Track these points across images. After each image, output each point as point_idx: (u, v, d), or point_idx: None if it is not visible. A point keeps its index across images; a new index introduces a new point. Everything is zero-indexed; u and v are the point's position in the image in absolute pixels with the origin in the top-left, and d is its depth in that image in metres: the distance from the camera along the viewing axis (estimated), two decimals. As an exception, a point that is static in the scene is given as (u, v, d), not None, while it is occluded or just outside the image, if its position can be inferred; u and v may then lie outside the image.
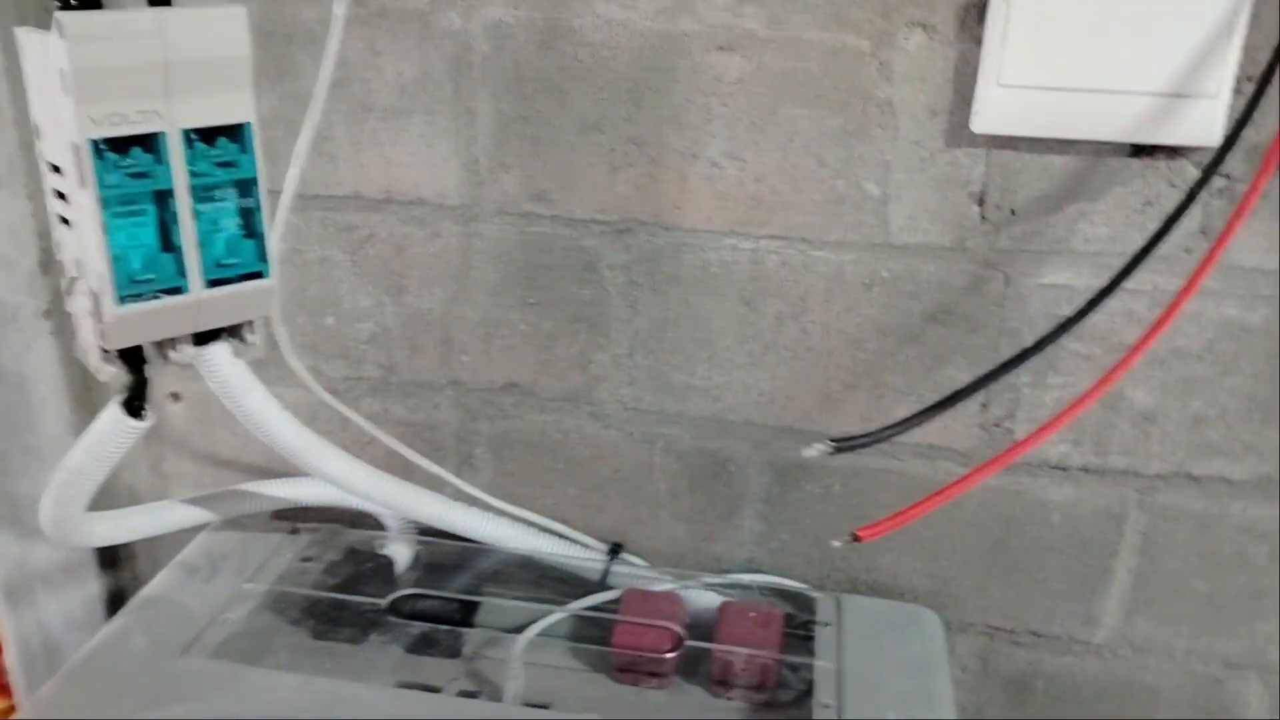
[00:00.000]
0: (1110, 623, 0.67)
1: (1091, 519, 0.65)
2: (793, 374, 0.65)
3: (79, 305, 0.49)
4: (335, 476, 0.61)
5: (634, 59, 0.61)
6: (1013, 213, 0.60)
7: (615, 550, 0.72)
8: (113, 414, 0.51)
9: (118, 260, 0.45)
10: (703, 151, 0.62)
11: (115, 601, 0.81)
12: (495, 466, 0.73)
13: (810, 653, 0.62)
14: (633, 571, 0.71)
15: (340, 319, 0.70)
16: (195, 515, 0.67)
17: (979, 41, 0.57)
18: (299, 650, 0.63)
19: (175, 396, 0.74)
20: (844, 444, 0.45)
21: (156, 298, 0.46)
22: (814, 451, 0.43)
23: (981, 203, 0.60)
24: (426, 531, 0.71)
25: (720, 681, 0.61)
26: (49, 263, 0.70)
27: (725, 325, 0.65)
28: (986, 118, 0.58)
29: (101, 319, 0.47)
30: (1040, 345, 0.57)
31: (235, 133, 0.47)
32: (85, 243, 0.46)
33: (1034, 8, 0.55)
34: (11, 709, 1.74)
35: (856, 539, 0.42)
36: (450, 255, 0.67)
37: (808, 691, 0.59)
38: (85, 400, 0.75)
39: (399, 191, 0.66)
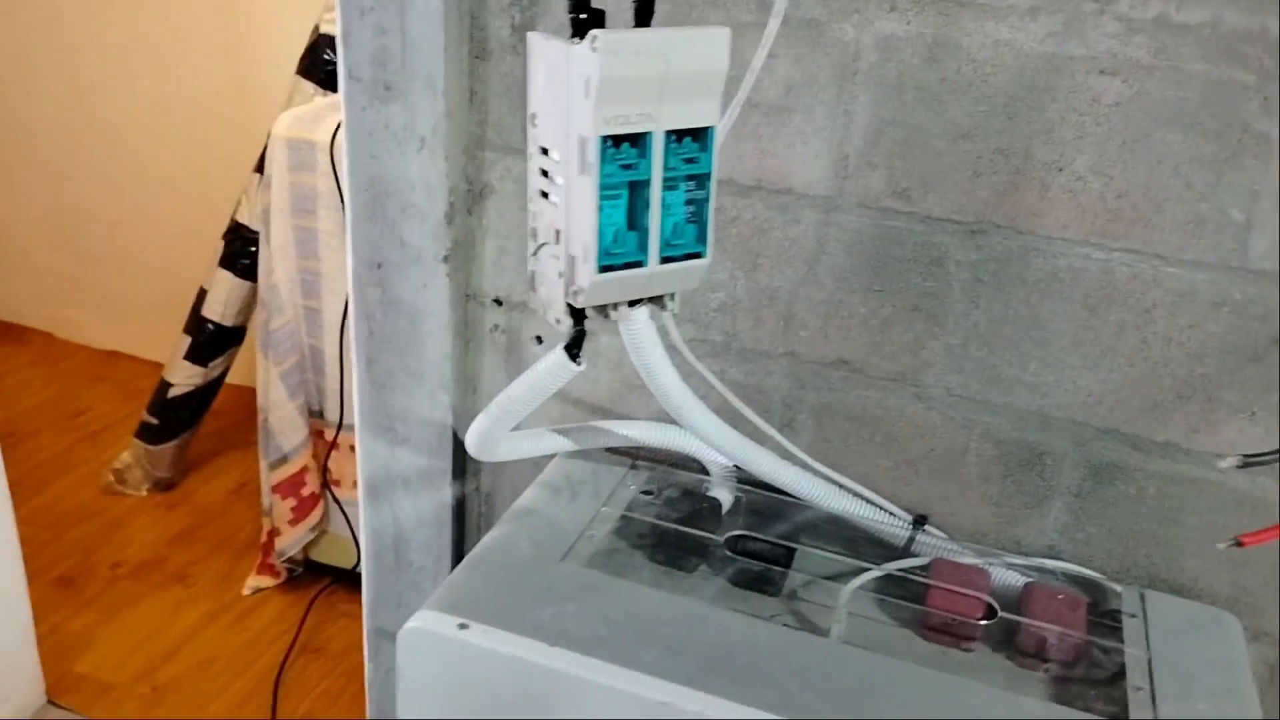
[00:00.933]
0: None
1: None
2: (1125, 380, 0.70)
3: (547, 267, 0.58)
4: (698, 426, 0.70)
5: (1015, 76, 0.66)
6: (1380, 250, 0.62)
7: (920, 521, 0.78)
8: (556, 357, 0.61)
9: (600, 236, 0.54)
10: (1068, 165, 0.67)
11: (459, 507, 0.94)
12: (815, 432, 0.80)
13: (1119, 639, 0.67)
14: (935, 543, 0.77)
15: (696, 288, 0.79)
16: (561, 443, 0.78)
17: (1371, 83, 0.59)
18: (648, 570, 0.73)
19: (539, 340, 0.85)
20: (1253, 459, 0.49)
21: (625, 269, 0.55)
22: (1225, 464, 0.48)
23: (1348, 237, 0.62)
24: (744, 481, 0.80)
25: (1031, 654, 0.67)
26: (453, 215, 0.82)
27: (1064, 328, 0.70)
28: (1369, 157, 0.60)
29: (575, 281, 0.56)
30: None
31: (700, 134, 0.55)
32: (571, 218, 0.55)
33: None
34: (272, 589, 1.95)
35: (1239, 544, 0.47)
36: (806, 240, 0.75)
37: (1120, 674, 0.65)
38: (463, 335, 0.87)
39: (769, 180, 0.74)
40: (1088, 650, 0.67)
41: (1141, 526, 0.73)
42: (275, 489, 1.83)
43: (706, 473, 0.82)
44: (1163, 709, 0.61)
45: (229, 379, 2.13)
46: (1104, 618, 0.70)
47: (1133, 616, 0.70)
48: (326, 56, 1.80)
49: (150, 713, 1.63)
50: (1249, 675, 0.66)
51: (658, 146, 0.54)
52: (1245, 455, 0.49)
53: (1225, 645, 0.68)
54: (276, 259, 1.73)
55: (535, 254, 0.59)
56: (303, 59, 1.84)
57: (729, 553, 0.75)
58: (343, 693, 1.69)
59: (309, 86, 1.83)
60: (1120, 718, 0.61)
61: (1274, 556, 0.70)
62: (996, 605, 0.69)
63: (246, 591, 1.91)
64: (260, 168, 1.79)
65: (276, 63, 2.05)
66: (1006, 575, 0.73)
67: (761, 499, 0.80)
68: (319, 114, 1.70)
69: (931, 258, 0.72)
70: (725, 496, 0.81)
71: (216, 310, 1.99)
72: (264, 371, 1.79)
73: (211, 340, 2.03)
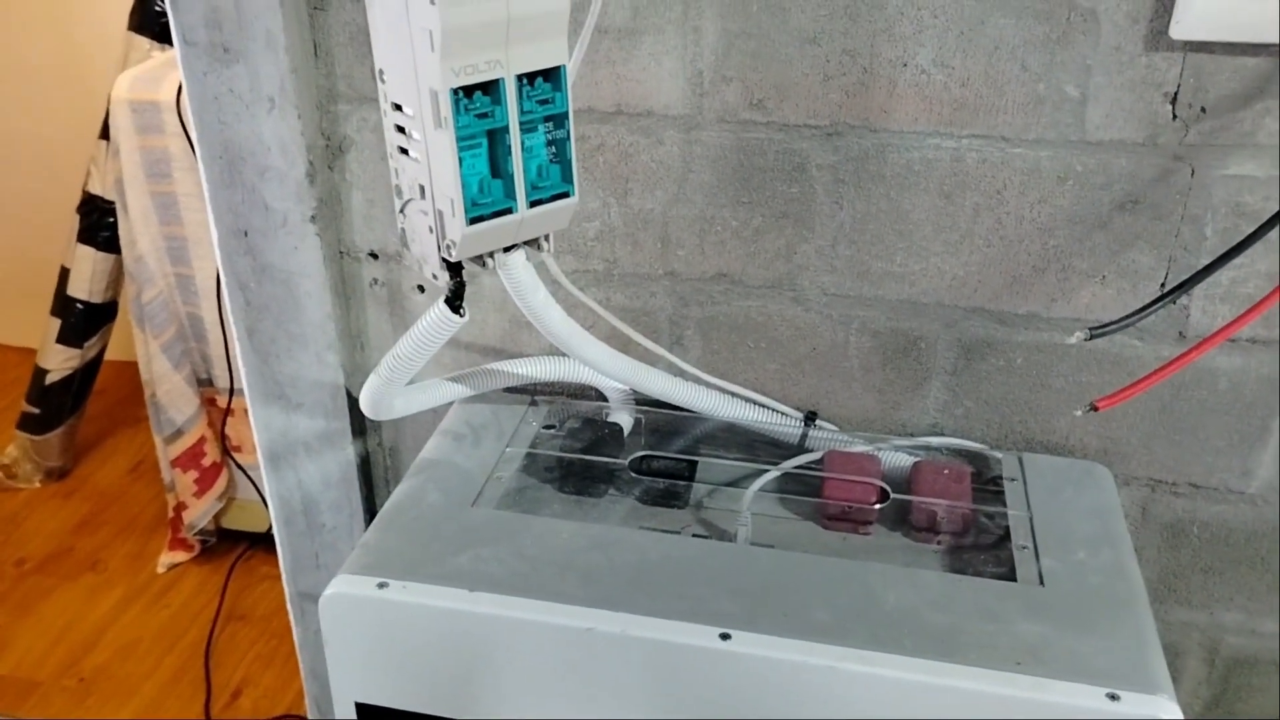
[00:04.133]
0: (1265, 475, 0.76)
1: (1256, 385, 0.73)
2: (985, 260, 0.73)
3: (417, 223, 0.58)
4: (589, 358, 0.71)
5: (853, -23, 0.67)
6: (1203, 110, 0.66)
7: (810, 417, 0.81)
8: (439, 312, 0.61)
9: (465, 188, 0.54)
10: (912, 60, 0.68)
11: (365, 464, 0.94)
12: (703, 346, 0.82)
13: (1002, 503, 0.72)
14: (827, 436, 0.81)
15: (571, 220, 0.79)
16: (458, 390, 0.78)
17: (1182, -47, 0.62)
18: (558, 502, 0.75)
19: (421, 289, 0.85)
20: (1099, 331, 0.53)
21: (494, 217, 0.56)
22: (1074, 339, 0.52)
23: (1174, 102, 0.66)
24: (642, 401, 0.82)
25: (924, 529, 0.72)
26: (314, 174, 0.80)
27: (924, 217, 0.73)
28: (1186, 24, 0.63)
29: (446, 235, 0.56)
30: (1255, 237, 0.62)
31: (552, 74, 0.55)
32: (435, 172, 0.55)
33: (1238, -79, 0.60)
34: (187, 563, 1.91)
35: (1095, 408, 0.51)
36: (672, 161, 0.75)
37: (1005, 536, 0.69)
38: (341, 293, 0.86)
39: (628, 104, 0.74)
40: (975, 518, 0.72)
41: (1014, 395, 0.77)
42: (174, 463, 1.79)
43: (605, 399, 0.84)
44: (1045, 563, 0.66)
45: (107, 356, 2.05)
46: (987, 485, 0.75)
47: (1013, 480, 0.74)
48: (158, 8, 1.71)
49: (81, 704, 1.61)
50: (1122, 519, 0.71)
51: (511, 92, 0.54)
52: (1091, 329, 0.53)
53: (1098, 495, 0.74)
54: (138, 228, 1.66)
55: (402, 211, 0.59)
56: (132, 14, 1.74)
57: (634, 474, 0.77)
58: (275, 655, 1.69)
59: (144, 42, 1.73)
60: (1008, 577, 0.66)
61: (1136, 406, 0.76)
62: (888, 488, 0.73)
63: (161, 569, 1.88)
64: (105, 134, 1.70)
65: (105, 20, 1.93)
66: (895, 457, 0.77)
67: (661, 417, 0.83)
68: (160, 71, 1.61)
69: (793, 164, 0.73)
70: (625, 420, 0.82)
71: (83, 288, 1.91)
72: (143, 346, 1.73)
73: (82, 320, 1.95)
